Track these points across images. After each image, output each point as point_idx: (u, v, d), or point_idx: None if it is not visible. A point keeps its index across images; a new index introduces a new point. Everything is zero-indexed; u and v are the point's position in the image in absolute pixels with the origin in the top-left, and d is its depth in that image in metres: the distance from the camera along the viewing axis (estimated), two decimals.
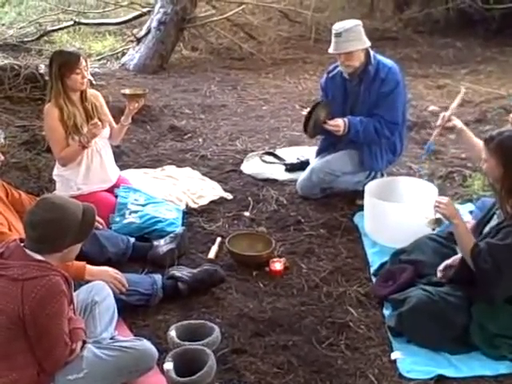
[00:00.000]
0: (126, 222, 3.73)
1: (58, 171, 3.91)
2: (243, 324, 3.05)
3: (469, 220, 3.55)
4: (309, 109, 4.24)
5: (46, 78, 6.10)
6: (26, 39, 8.55)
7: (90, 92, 3.89)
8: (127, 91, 4.10)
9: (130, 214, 3.77)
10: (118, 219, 3.74)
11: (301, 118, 5.60)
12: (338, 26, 4.02)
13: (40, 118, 5.66)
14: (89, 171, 3.85)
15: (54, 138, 3.77)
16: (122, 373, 2.50)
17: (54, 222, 2.37)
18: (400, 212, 3.68)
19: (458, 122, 3.56)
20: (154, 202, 3.94)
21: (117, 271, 3.07)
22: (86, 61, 3.74)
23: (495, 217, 2.92)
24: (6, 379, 2.32)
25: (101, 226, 3.50)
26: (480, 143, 3.30)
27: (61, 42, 8.79)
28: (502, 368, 2.73)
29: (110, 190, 3.95)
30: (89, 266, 2.96)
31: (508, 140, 2.81)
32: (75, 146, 3.71)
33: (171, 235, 3.61)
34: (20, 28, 9.09)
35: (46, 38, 8.79)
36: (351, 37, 3.99)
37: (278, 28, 9.74)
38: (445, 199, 2.96)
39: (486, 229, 2.94)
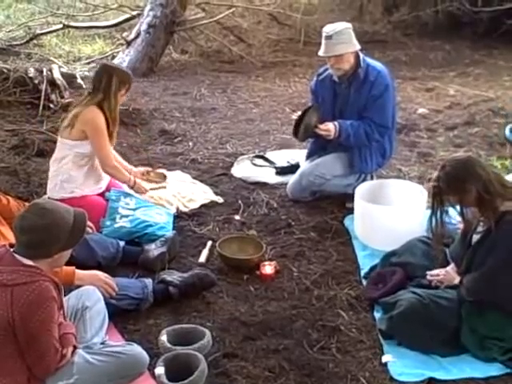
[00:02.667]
0: (116, 226, 3.72)
1: (55, 172, 3.85)
2: (234, 328, 3.05)
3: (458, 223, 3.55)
4: (299, 113, 4.25)
5: (36, 81, 6.10)
6: (14, 43, 8.53)
7: None
8: (151, 177, 4.28)
9: (120, 218, 3.76)
10: (108, 223, 3.72)
11: (291, 121, 5.63)
12: (328, 29, 4.03)
13: (30, 122, 5.66)
14: (88, 176, 3.84)
15: (105, 142, 3.77)
16: (112, 378, 2.48)
17: (44, 228, 2.36)
18: (390, 215, 3.70)
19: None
20: (144, 206, 3.93)
21: (107, 275, 3.06)
22: None
23: (481, 223, 2.94)
24: None
25: (91, 231, 3.48)
26: None
27: (50, 46, 8.77)
28: (492, 370, 2.74)
29: (101, 194, 3.94)
30: (78, 271, 2.94)
31: (450, 173, 2.81)
32: (124, 177, 3.93)
33: (162, 239, 3.61)
34: (9, 31, 9.07)
35: (35, 41, 8.77)
36: (341, 39, 4.00)
37: (268, 31, 9.77)
38: (435, 272, 3.04)
39: (474, 237, 2.95)
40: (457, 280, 2.95)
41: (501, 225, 2.76)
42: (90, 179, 3.87)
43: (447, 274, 3.02)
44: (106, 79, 3.72)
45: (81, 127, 3.71)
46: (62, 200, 3.56)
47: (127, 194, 3.98)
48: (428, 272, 3.08)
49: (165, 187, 4.27)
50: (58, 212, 2.42)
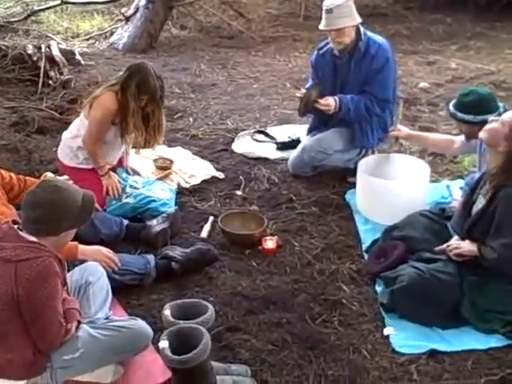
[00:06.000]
0: (120, 203, 3.73)
1: (72, 143, 3.79)
2: (237, 302, 3.07)
3: (458, 198, 3.57)
4: (303, 90, 4.23)
5: (34, 58, 6.07)
6: (12, 19, 8.42)
7: None
8: (158, 163, 4.35)
9: (126, 197, 3.76)
10: (114, 202, 3.74)
11: (292, 97, 5.62)
12: (328, 2, 4.00)
13: (29, 99, 5.64)
14: (108, 152, 3.80)
15: (100, 127, 3.66)
16: (117, 352, 2.51)
17: (54, 204, 2.37)
18: (392, 189, 3.69)
19: (403, 133, 3.93)
20: (150, 184, 3.94)
21: (109, 250, 3.06)
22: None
23: (480, 197, 2.94)
24: (2, 360, 2.32)
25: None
26: (430, 135, 3.88)
27: (48, 22, 8.69)
28: (492, 341, 2.78)
29: (113, 169, 3.92)
30: (81, 246, 2.96)
31: None
32: (98, 163, 3.72)
33: (163, 215, 3.62)
34: (6, 8, 8.96)
35: (33, 17, 8.67)
36: (342, 13, 3.97)
37: (268, 5, 9.68)
38: (453, 246, 3.01)
39: (474, 209, 2.97)
40: (475, 248, 2.91)
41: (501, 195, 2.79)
42: (108, 158, 3.84)
43: (464, 245, 2.97)
44: (127, 74, 3.63)
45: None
46: (72, 168, 3.59)
47: (137, 174, 4.02)
48: (446, 245, 3.04)
49: (171, 173, 4.27)
50: (68, 190, 2.44)
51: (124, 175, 3.91)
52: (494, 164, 2.89)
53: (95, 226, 3.39)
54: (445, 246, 3.05)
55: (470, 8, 9.38)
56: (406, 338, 2.80)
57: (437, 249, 3.10)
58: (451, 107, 3.40)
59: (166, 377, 2.55)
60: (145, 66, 3.68)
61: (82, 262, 2.89)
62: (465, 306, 2.86)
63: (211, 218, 3.78)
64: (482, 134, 2.99)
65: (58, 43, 6.81)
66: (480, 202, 2.92)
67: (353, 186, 3.99)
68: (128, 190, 3.81)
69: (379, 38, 4.19)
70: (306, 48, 7.71)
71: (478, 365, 2.67)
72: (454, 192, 3.87)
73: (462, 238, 3.01)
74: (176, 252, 3.29)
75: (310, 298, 3.10)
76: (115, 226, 3.51)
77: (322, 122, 4.39)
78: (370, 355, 2.73)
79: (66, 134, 3.88)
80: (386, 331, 2.85)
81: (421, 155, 4.39)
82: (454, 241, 3.05)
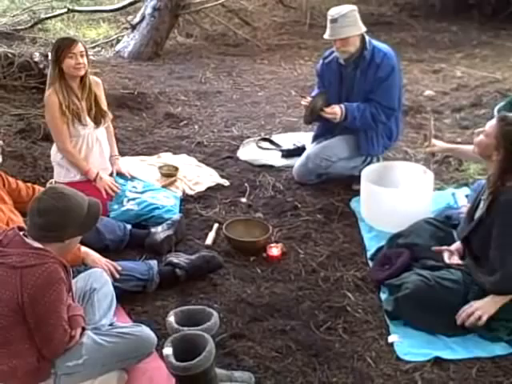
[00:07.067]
0: (123, 209, 3.73)
1: (56, 158, 3.88)
2: (241, 309, 3.07)
3: (465, 204, 3.57)
4: (309, 98, 4.23)
5: (41, 66, 6.11)
6: (19, 27, 8.49)
7: (93, 79, 3.86)
8: (163, 170, 4.36)
9: (128, 201, 3.77)
10: (116, 206, 3.74)
11: (297, 104, 5.64)
12: (333, 12, 4.01)
13: (35, 107, 5.67)
14: (87, 160, 3.84)
15: (57, 127, 3.73)
16: (121, 359, 2.51)
17: (61, 211, 2.37)
18: (396, 197, 3.69)
19: (438, 147, 3.73)
20: (152, 190, 3.94)
21: (111, 261, 3.08)
22: (84, 47, 3.71)
23: (482, 202, 2.94)
24: (6, 366, 2.32)
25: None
26: (466, 148, 3.56)
27: (55, 30, 8.75)
28: (497, 349, 2.76)
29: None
30: (83, 247, 2.97)
31: None
32: (84, 167, 3.76)
33: (168, 222, 3.62)
34: (13, 16, 9.03)
35: (39, 25, 8.74)
36: (347, 22, 3.97)
37: (273, 13, 9.73)
38: (466, 313, 2.85)
39: (476, 215, 2.96)
40: (497, 300, 2.80)
41: (498, 202, 2.78)
42: (93, 164, 3.85)
43: (484, 308, 2.81)
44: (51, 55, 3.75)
45: None
46: (68, 184, 3.59)
47: (134, 178, 3.99)
48: (462, 311, 2.84)
49: (176, 180, 4.28)
50: (75, 198, 2.44)
51: (121, 181, 3.92)
52: (490, 171, 2.89)
53: (99, 232, 3.39)
54: (462, 317, 2.84)
55: (476, 16, 9.40)
56: (410, 345, 2.79)
57: (435, 248, 3.08)
58: (496, 114, 3.30)
59: None
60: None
61: (87, 268, 2.90)
62: None
63: (216, 225, 3.78)
64: (474, 149, 2.99)
65: None
66: (481, 208, 2.92)
67: (358, 193, 3.98)
68: (128, 193, 3.82)
69: (384, 47, 4.20)
70: (312, 56, 7.74)
71: (483, 373, 2.65)
72: (459, 200, 3.87)
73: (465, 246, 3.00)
74: (180, 259, 3.29)
75: (315, 306, 3.09)
76: (119, 231, 3.52)
77: (327, 129, 4.39)
78: (374, 363, 2.72)
79: (53, 153, 3.94)
80: (391, 339, 2.84)
81: (425, 163, 4.37)
82: (455, 246, 3.05)
